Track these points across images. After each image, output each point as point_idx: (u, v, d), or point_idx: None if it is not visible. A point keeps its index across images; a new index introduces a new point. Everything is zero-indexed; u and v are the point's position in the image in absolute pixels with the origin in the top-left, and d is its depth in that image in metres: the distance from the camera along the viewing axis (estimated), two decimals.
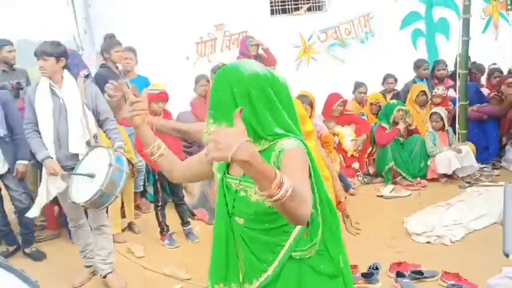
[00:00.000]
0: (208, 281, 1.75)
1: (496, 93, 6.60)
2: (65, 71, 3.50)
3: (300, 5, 7.73)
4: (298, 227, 1.58)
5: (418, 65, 6.73)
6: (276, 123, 1.55)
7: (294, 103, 1.65)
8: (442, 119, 5.83)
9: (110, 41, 5.26)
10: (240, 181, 1.60)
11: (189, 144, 5.56)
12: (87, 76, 4.77)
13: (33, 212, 3.62)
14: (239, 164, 1.21)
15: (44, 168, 3.48)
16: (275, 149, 1.53)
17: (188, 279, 3.72)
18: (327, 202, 1.64)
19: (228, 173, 1.67)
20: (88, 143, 3.47)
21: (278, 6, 7.60)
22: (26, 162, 4.15)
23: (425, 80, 6.70)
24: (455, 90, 6.15)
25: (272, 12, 7.53)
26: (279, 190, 1.23)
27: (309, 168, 1.55)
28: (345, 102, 6.08)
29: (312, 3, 7.81)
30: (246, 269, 1.66)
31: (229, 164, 1.62)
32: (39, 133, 3.44)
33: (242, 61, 1.66)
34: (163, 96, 4.36)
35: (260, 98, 1.54)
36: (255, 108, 1.53)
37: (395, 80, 6.80)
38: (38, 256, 4.30)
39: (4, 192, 4.29)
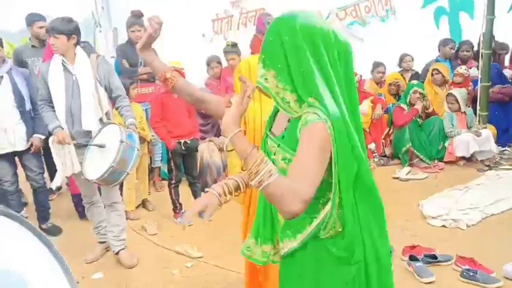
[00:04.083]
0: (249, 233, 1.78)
1: None
2: (78, 47, 3.47)
3: None
4: (328, 206, 1.49)
5: (445, 43, 6.51)
6: (318, 88, 1.41)
7: (352, 71, 1.50)
8: (457, 100, 5.68)
9: (128, 20, 5.22)
10: (278, 145, 1.53)
11: (205, 122, 5.55)
12: None
13: (56, 182, 3.62)
14: None
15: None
16: (301, 120, 1.43)
17: (200, 257, 3.74)
18: (357, 182, 1.50)
19: (270, 131, 1.61)
20: (101, 120, 3.47)
21: None
22: (42, 136, 4.14)
23: (448, 60, 6.51)
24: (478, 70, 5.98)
25: None
26: (255, 176, 1.34)
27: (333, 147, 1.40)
28: (361, 82, 5.95)
29: None
30: (281, 229, 1.63)
31: (272, 121, 1.64)
32: (53, 107, 3.46)
33: (302, 12, 1.51)
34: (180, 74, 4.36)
35: (308, 53, 1.42)
36: (302, 64, 1.42)
37: (412, 59, 6.62)
38: (54, 231, 4.35)
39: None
